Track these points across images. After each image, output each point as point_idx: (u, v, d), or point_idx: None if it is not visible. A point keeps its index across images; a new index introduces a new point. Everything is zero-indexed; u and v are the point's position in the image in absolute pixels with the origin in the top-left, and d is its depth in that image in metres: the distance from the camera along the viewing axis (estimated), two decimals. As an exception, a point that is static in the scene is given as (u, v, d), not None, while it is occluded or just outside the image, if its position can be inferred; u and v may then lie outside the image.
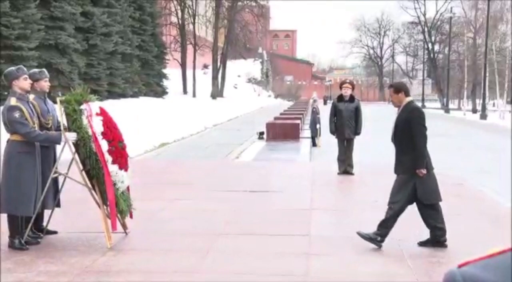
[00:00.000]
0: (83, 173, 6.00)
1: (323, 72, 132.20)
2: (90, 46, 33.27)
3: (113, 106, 23.09)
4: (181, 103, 41.47)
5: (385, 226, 6.05)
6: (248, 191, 9.43)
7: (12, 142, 5.83)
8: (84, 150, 5.84)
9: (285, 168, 12.78)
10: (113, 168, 5.87)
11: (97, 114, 5.96)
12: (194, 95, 53.52)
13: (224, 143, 20.13)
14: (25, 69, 5.98)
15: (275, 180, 10.88)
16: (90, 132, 5.82)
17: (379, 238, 6.06)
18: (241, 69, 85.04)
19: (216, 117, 32.25)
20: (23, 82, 5.84)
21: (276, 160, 15.30)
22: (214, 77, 58.94)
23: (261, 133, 21.49)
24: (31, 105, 5.91)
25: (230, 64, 69.35)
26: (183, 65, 55.17)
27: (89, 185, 6.02)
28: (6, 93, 23.87)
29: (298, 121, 23.43)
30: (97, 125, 5.86)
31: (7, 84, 5.89)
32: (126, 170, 6.08)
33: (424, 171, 5.97)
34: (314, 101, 21.42)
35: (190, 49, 56.45)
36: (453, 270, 0.98)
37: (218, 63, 59.77)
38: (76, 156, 5.97)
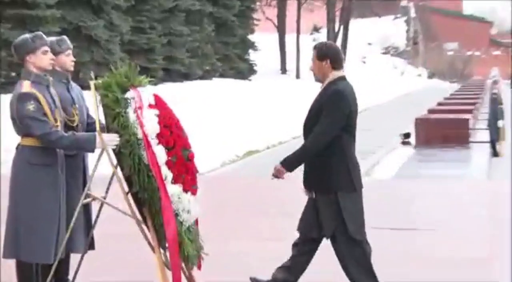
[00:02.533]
0: (129, 196, 6.14)
1: (507, 36, 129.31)
2: (137, 2, 34.04)
3: (173, 94, 23.56)
4: (278, 88, 41.75)
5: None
6: (387, 228, 9.38)
7: (24, 149, 5.93)
8: (131, 161, 5.96)
9: (446, 190, 12.84)
10: (174, 190, 5.97)
11: (150, 106, 6.08)
12: (297, 75, 53.77)
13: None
14: (44, 37, 6.04)
15: (428, 210, 10.92)
16: (140, 134, 5.95)
17: None
18: (373, 34, 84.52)
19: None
20: (42, 58, 5.92)
21: (430, 178, 15.34)
22: (330, 47, 58.91)
23: (407, 135, 21.75)
24: (52, 93, 6.03)
25: (355, 25, 69.10)
26: (281, 28, 55.54)
27: (138, 216, 6.16)
28: (14, 74, 24.50)
29: (467, 115, 23.37)
30: (151, 124, 5.98)
31: (18, 60, 6.01)
32: (193, 192, 6.16)
33: (283, 172, 6.34)
34: (495, 82, 21.13)
35: (292, 3, 56.75)
36: None
37: (337, 25, 59.68)
38: (119, 171, 6.12)
